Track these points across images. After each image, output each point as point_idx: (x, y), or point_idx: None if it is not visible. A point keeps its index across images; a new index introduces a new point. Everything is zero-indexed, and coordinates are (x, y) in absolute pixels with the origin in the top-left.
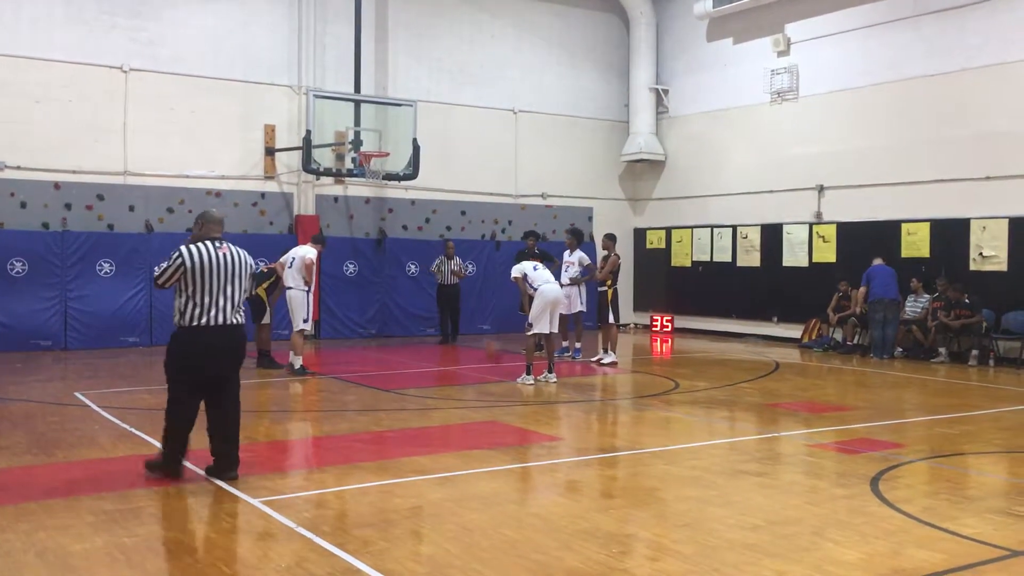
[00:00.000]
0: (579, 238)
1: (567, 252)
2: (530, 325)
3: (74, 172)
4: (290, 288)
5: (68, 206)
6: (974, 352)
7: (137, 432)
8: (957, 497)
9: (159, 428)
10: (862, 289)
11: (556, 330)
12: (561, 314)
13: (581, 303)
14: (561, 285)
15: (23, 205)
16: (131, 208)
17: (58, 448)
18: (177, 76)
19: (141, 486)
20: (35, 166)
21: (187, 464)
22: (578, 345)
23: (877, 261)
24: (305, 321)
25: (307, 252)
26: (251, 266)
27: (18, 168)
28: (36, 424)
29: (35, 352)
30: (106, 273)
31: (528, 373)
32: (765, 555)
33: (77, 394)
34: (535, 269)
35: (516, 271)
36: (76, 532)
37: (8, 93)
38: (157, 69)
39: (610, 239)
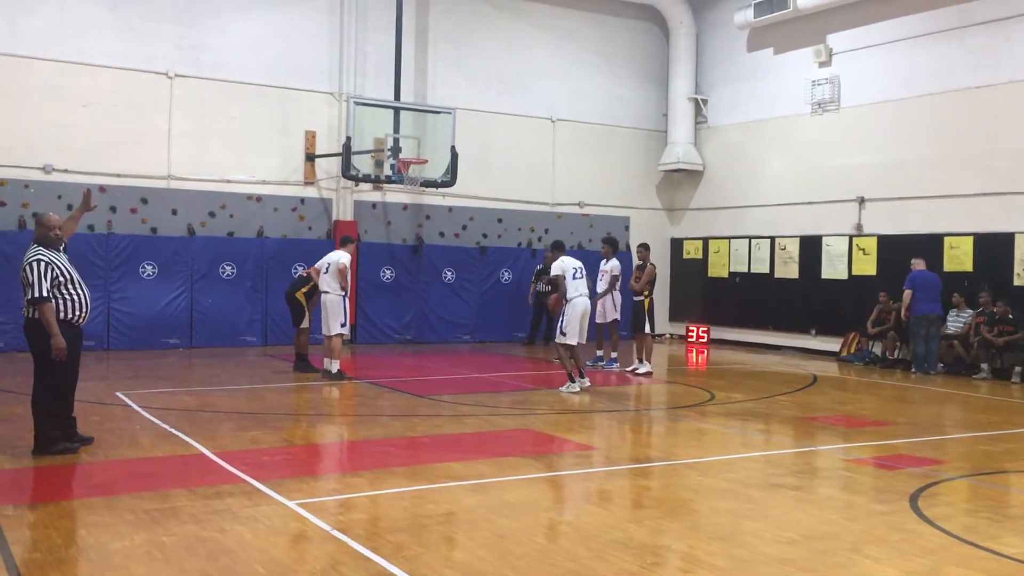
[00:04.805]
0: (615, 247)
1: (603, 261)
2: (563, 335)
3: (119, 176)
4: (326, 293)
5: (113, 209)
6: (1017, 369)
7: (177, 432)
8: (998, 515)
9: (199, 429)
10: (907, 293)
11: (584, 340)
12: (598, 323)
13: (616, 311)
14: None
15: (69, 207)
16: (174, 212)
17: (99, 447)
18: (220, 82)
19: (180, 486)
20: (81, 169)
21: (224, 464)
22: (614, 355)
23: (919, 265)
24: (343, 325)
25: (340, 257)
26: (23, 266)
27: (65, 171)
28: (78, 423)
29: None
30: (148, 275)
31: (572, 380)
32: (800, 570)
33: (119, 394)
34: (575, 276)
35: (557, 268)
36: (116, 530)
37: (55, 97)
38: (200, 75)
39: (645, 248)
